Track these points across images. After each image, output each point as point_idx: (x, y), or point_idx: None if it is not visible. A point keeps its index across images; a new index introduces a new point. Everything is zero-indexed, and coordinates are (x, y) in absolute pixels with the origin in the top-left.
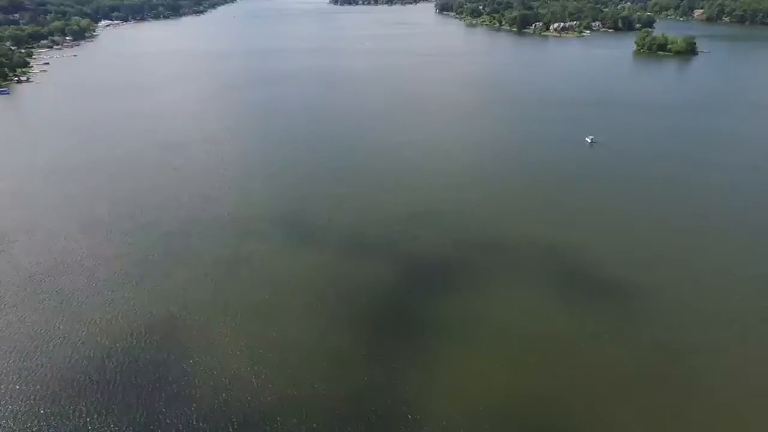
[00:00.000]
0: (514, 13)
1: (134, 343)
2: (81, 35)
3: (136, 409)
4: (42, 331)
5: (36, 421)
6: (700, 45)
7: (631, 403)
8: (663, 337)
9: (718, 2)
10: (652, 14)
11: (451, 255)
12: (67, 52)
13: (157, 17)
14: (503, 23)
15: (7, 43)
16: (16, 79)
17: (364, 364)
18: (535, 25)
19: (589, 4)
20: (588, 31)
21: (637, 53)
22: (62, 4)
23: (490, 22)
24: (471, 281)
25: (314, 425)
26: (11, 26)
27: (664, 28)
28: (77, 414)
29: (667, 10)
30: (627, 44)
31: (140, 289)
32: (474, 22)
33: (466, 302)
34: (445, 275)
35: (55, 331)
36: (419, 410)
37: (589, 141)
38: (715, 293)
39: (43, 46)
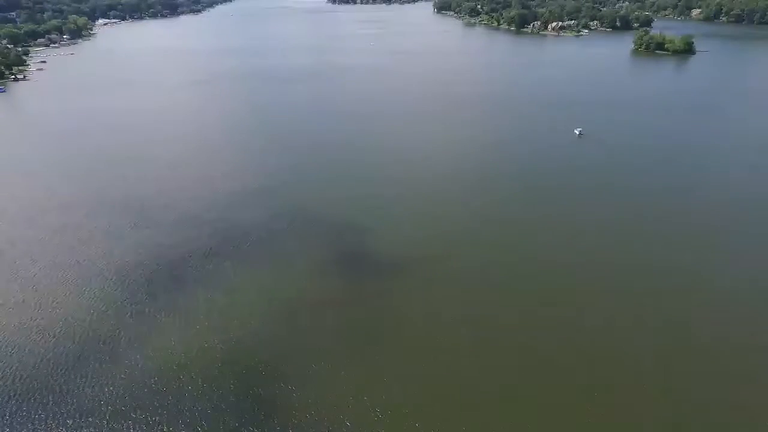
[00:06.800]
0: (513, 12)
1: None
2: (78, 34)
3: None
4: None
5: None
6: (698, 44)
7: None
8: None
9: (716, 2)
10: (650, 14)
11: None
12: (65, 51)
13: (154, 16)
14: (501, 22)
15: (4, 42)
16: (12, 77)
17: (120, 312)
18: (533, 24)
19: (587, 4)
20: (586, 31)
21: (635, 52)
22: (59, 3)
23: (489, 21)
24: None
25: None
26: (8, 24)
27: (662, 28)
28: None
29: (664, 10)
30: (625, 43)
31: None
32: (472, 21)
33: (252, 268)
34: (258, 246)
35: None
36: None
37: (577, 133)
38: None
39: (40, 45)
